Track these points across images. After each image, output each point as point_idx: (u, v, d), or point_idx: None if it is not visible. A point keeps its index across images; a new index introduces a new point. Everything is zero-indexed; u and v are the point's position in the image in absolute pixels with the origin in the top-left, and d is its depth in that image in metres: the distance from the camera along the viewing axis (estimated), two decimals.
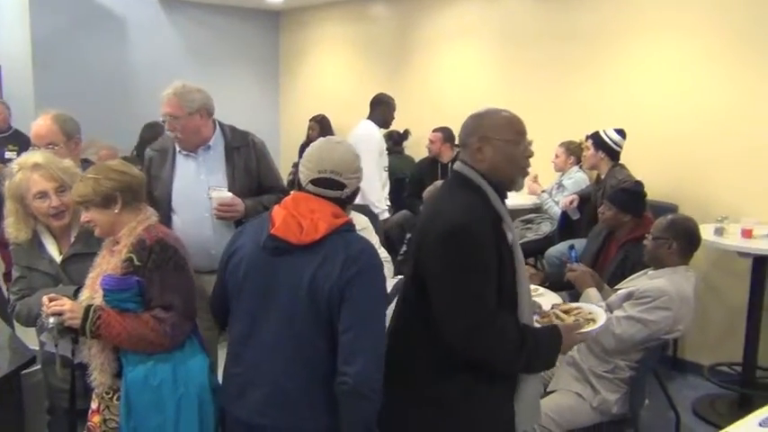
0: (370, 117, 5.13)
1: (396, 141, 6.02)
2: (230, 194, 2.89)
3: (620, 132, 4.42)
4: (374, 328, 1.88)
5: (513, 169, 2.01)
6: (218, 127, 3.04)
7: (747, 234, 3.84)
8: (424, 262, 1.95)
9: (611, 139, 4.41)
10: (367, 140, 4.91)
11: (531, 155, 2.02)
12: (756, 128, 4.19)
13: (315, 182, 1.96)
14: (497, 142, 1.97)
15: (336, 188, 1.96)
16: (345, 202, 2.01)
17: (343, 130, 6.91)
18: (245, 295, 1.98)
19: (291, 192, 2.13)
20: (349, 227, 1.98)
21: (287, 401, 1.90)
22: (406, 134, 6.15)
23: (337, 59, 7.49)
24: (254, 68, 7.80)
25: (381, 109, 5.13)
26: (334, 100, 7.27)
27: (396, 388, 1.92)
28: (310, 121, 6.78)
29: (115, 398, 2.14)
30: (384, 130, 5.33)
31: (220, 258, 2.12)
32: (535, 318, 2.18)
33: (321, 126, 6.67)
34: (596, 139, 4.45)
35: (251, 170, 3.01)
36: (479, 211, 1.93)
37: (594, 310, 2.30)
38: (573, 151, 4.99)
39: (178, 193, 2.97)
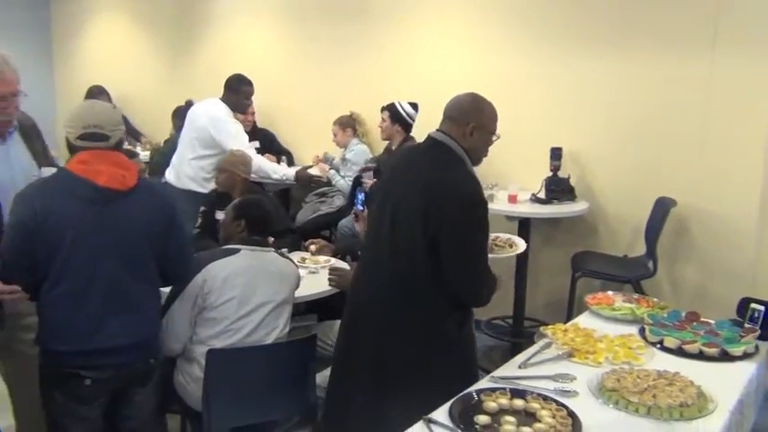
0: (222, 97, 4.76)
1: (182, 116, 5.78)
2: None
3: (414, 106, 4.66)
4: (188, 242, 2.60)
5: (482, 154, 2.44)
6: None
7: (513, 199, 4.22)
8: (441, 223, 2.23)
9: (405, 112, 4.63)
10: (199, 118, 4.72)
11: (491, 144, 2.44)
12: (517, 103, 4.54)
13: (81, 137, 2.21)
14: (485, 131, 2.38)
15: (102, 140, 2.22)
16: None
17: (126, 101, 6.52)
18: (77, 248, 2.17)
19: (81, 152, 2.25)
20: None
21: (145, 318, 2.34)
22: (188, 105, 5.91)
23: (118, 30, 7.05)
24: (22, 39, 7.01)
25: (228, 94, 4.74)
26: (118, 71, 6.85)
27: (399, 333, 2.31)
28: (99, 95, 6.30)
29: None
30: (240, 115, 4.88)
31: (18, 233, 2.15)
32: None
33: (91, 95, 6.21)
34: (392, 110, 4.64)
35: (38, 151, 2.71)
36: (477, 178, 2.34)
37: (511, 237, 2.86)
38: (347, 124, 5.17)
39: None
